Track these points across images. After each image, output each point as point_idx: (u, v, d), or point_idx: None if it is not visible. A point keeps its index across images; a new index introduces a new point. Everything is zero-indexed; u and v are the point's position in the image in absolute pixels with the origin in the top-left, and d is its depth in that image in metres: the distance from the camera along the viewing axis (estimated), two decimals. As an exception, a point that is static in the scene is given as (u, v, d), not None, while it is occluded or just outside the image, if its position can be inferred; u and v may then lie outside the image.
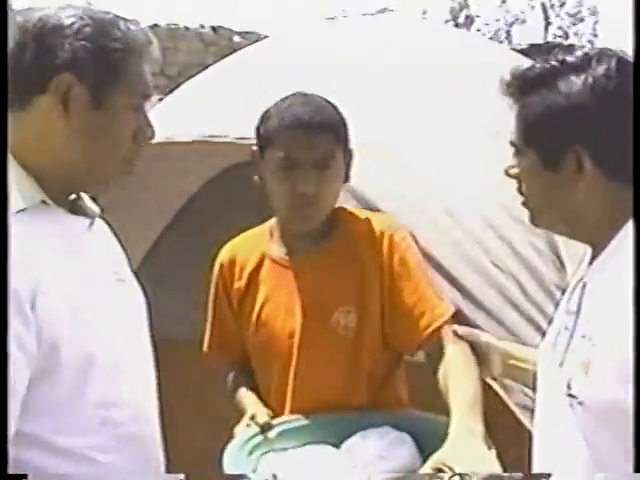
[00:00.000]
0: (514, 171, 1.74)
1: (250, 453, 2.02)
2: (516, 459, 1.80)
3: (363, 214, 2.23)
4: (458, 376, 2.01)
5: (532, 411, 1.87)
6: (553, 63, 1.67)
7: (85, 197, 1.83)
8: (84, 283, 1.65)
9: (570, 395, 1.59)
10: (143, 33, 1.72)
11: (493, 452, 1.80)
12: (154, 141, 3.07)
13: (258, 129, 2.17)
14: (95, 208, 1.83)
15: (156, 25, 11.05)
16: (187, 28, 11.20)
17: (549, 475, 1.68)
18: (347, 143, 2.17)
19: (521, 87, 1.68)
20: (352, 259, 2.17)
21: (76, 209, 1.76)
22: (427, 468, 1.76)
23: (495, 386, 2.27)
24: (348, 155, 2.18)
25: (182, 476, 1.82)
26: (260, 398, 2.24)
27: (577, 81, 1.63)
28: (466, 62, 3.21)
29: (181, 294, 3.30)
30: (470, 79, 3.06)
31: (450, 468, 1.71)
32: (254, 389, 2.27)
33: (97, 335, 1.64)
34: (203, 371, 3.31)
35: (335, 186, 2.15)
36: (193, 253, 3.41)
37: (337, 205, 2.21)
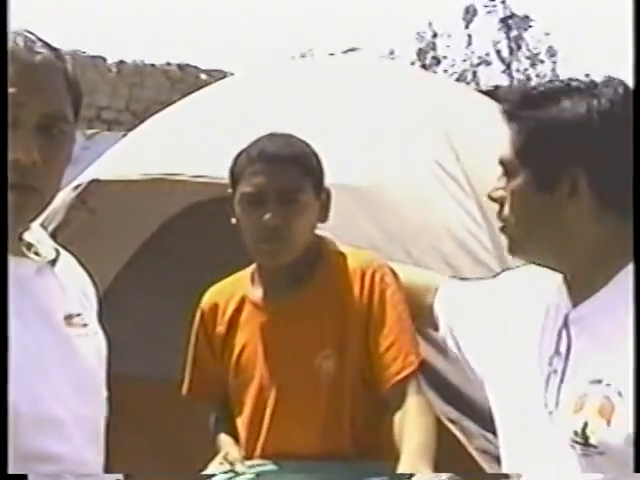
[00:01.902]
0: (499, 194, 1.69)
1: None
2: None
3: (345, 252, 2.19)
4: (412, 424, 1.97)
5: (492, 455, 1.83)
6: (558, 83, 1.67)
7: (42, 237, 1.77)
8: (27, 328, 1.59)
9: (584, 444, 1.55)
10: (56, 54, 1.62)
11: None
12: (113, 178, 3.06)
13: (231, 169, 2.15)
14: (49, 251, 1.77)
15: (122, 62, 11.02)
16: (153, 65, 11.20)
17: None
18: (319, 181, 2.15)
19: (523, 103, 1.66)
20: (332, 301, 2.14)
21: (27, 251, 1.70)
22: None
23: (454, 430, 2.24)
24: (323, 194, 2.16)
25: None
26: (238, 441, 2.21)
27: (582, 102, 1.61)
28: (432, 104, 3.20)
29: (140, 332, 3.25)
30: (434, 120, 3.05)
31: None
32: (233, 432, 2.23)
33: (24, 383, 1.57)
34: (164, 408, 3.31)
35: (305, 221, 2.12)
36: (151, 292, 3.37)
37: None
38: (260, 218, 2.06)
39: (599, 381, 1.56)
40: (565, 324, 1.67)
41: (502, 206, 1.69)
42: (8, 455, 1.44)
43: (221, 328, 2.22)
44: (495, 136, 1.76)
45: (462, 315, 1.99)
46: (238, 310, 2.21)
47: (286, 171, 2.08)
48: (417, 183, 2.82)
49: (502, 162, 1.68)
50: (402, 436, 1.96)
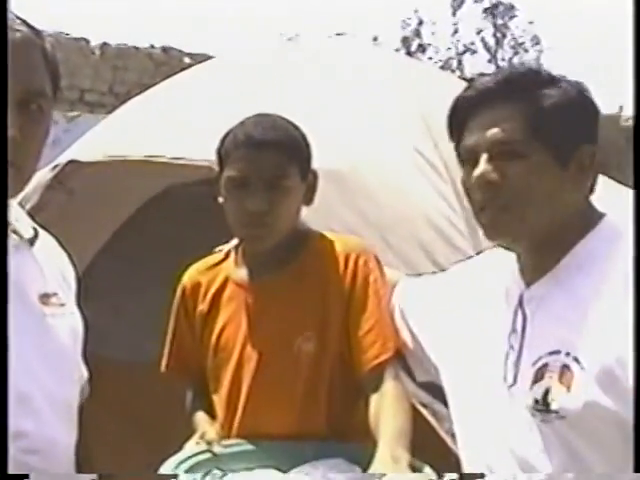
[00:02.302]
0: (493, 176, 1.69)
1: (192, 469, 1.98)
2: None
3: (330, 236, 2.20)
4: (388, 410, 1.98)
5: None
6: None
7: (20, 216, 1.77)
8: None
9: (545, 411, 1.63)
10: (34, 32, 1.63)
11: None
12: (93, 159, 3.05)
13: (218, 151, 2.14)
14: (27, 229, 1.77)
15: (105, 44, 10.97)
16: (137, 48, 11.15)
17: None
18: (306, 163, 2.14)
19: (535, 80, 1.72)
20: (316, 283, 2.13)
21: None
22: None
23: (426, 414, 2.26)
24: (310, 176, 2.15)
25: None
26: (215, 419, 2.20)
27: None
28: (412, 91, 3.20)
29: (117, 314, 3.25)
30: (414, 107, 3.06)
31: None
32: (210, 411, 2.22)
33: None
34: (139, 390, 3.31)
35: (290, 206, 2.11)
36: (129, 274, 3.37)
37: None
38: (244, 202, 2.06)
39: (557, 352, 1.65)
40: (520, 303, 1.76)
41: (495, 188, 1.69)
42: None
43: (203, 307, 2.22)
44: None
45: (417, 307, 2.06)
46: (221, 290, 2.21)
47: (272, 157, 2.06)
48: (395, 169, 2.83)
49: (507, 143, 1.69)
50: (379, 421, 1.97)
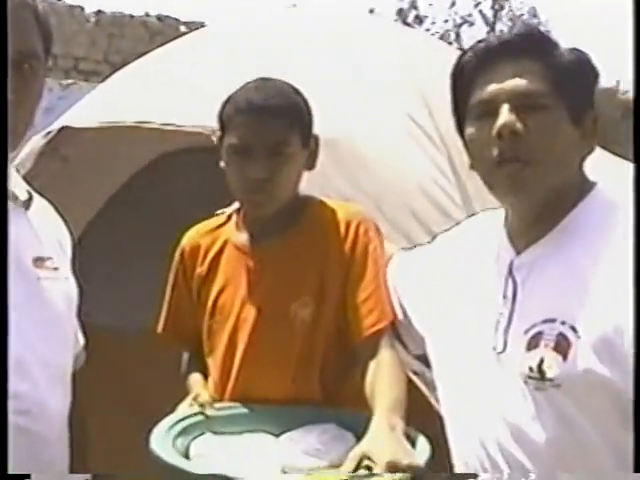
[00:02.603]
0: (517, 126, 1.64)
1: (184, 431, 1.98)
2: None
3: (331, 203, 2.20)
4: (385, 379, 1.98)
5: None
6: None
7: (16, 180, 1.77)
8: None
9: (540, 379, 1.63)
10: None
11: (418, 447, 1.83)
12: (87, 125, 3.04)
13: (220, 115, 2.14)
14: (22, 193, 1.77)
15: (100, 11, 10.92)
16: (132, 16, 11.11)
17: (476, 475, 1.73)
18: (308, 129, 2.13)
19: (547, 39, 1.72)
20: (316, 249, 2.13)
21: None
22: (348, 460, 1.74)
23: (417, 381, 2.27)
24: (312, 141, 2.15)
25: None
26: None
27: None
28: (408, 59, 3.19)
29: (110, 281, 3.26)
30: (408, 75, 3.05)
31: (370, 459, 1.71)
32: (206, 374, 2.23)
33: None
34: (133, 357, 3.32)
35: (291, 173, 2.11)
36: (123, 241, 3.37)
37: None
38: (245, 169, 2.06)
39: (553, 320, 1.64)
40: (510, 271, 1.75)
41: (518, 139, 1.65)
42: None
43: (201, 269, 2.22)
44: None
45: (408, 281, 2.05)
46: (220, 253, 2.21)
47: (273, 124, 2.06)
48: (390, 138, 2.82)
49: (529, 94, 1.65)
50: (376, 389, 1.97)
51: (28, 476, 1.53)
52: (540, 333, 1.65)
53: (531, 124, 1.64)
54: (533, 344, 1.66)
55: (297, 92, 2.13)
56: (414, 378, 2.25)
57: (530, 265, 1.72)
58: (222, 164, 2.13)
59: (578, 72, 1.69)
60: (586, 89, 1.72)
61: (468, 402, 1.78)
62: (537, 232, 1.72)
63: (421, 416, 1.95)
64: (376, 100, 2.94)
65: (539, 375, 1.63)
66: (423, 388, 2.29)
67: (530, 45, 1.69)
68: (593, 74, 1.73)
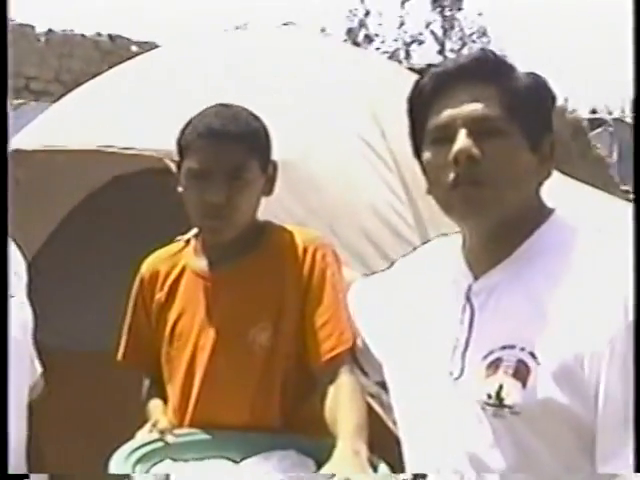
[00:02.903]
0: (474, 151, 1.63)
1: (144, 458, 1.97)
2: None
3: (290, 228, 2.20)
4: (346, 404, 1.99)
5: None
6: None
7: None
8: None
9: (498, 406, 1.60)
10: None
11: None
12: (39, 148, 3.02)
13: (179, 140, 2.13)
14: None
15: (51, 30, 10.86)
16: (83, 35, 11.06)
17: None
18: (266, 155, 2.14)
19: (503, 63, 1.71)
20: (274, 274, 2.13)
21: None
22: None
23: (373, 404, 2.27)
24: (270, 167, 2.15)
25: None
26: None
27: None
28: (359, 80, 3.22)
29: (64, 303, 3.24)
30: (360, 96, 3.07)
31: None
32: (166, 400, 2.22)
33: None
34: (88, 380, 3.29)
35: (250, 198, 2.11)
36: (74, 263, 3.35)
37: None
38: (204, 194, 2.05)
39: (512, 346, 1.62)
40: (467, 296, 1.72)
41: (474, 163, 1.64)
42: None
43: (160, 295, 2.21)
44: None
45: (365, 308, 2.05)
46: (178, 279, 2.20)
47: (232, 149, 2.06)
48: (342, 159, 2.84)
49: (486, 119, 1.65)
50: (337, 415, 1.97)
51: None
52: (499, 359, 1.63)
53: (488, 149, 1.64)
54: (492, 370, 1.63)
55: (256, 118, 2.13)
56: (371, 401, 2.25)
57: (489, 290, 1.70)
58: (180, 189, 2.12)
59: (535, 96, 1.69)
60: (543, 113, 1.71)
61: (425, 429, 1.76)
62: (495, 257, 1.70)
63: (378, 438, 1.95)
64: (327, 122, 2.95)
65: (497, 402, 1.61)
66: (378, 409, 2.29)
67: (487, 69, 1.68)
68: (550, 98, 1.72)
